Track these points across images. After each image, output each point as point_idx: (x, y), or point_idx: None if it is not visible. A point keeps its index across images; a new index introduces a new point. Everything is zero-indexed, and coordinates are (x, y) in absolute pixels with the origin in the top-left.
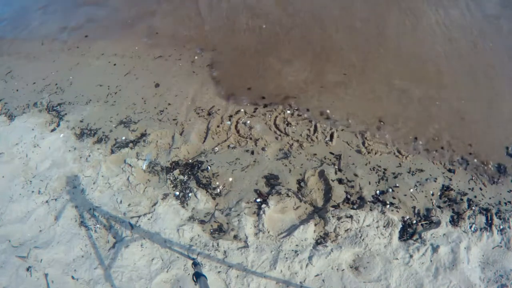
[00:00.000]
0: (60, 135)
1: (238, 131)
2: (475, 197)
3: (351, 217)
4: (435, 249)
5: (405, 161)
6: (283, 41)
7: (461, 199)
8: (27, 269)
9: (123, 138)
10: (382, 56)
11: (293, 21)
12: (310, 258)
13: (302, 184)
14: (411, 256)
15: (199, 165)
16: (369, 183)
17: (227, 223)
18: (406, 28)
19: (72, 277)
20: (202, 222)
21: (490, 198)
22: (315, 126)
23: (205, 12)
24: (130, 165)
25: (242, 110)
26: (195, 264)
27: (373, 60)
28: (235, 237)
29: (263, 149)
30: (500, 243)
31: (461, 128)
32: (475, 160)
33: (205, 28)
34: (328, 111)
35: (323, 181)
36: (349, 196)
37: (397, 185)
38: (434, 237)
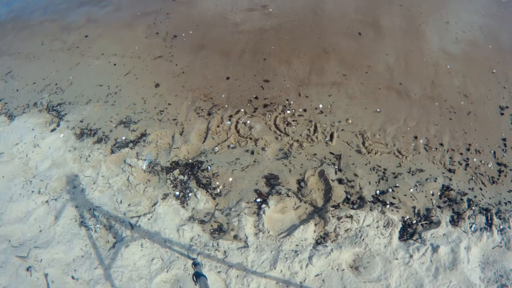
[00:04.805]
0: (60, 135)
1: (238, 131)
2: (475, 197)
3: (351, 217)
4: (435, 249)
5: (405, 161)
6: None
7: (461, 199)
8: (27, 269)
9: (123, 138)
10: None
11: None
12: (310, 258)
13: (302, 184)
14: (411, 256)
15: (199, 165)
16: (369, 183)
17: (227, 223)
18: None
19: (72, 277)
20: (202, 222)
21: (490, 198)
22: (315, 126)
23: None
24: (130, 165)
25: (242, 110)
26: (195, 264)
27: None
28: (235, 237)
29: (263, 149)
30: (500, 243)
31: None
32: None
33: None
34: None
35: (323, 181)
36: (349, 196)
37: (397, 185)
38: (434, 237)
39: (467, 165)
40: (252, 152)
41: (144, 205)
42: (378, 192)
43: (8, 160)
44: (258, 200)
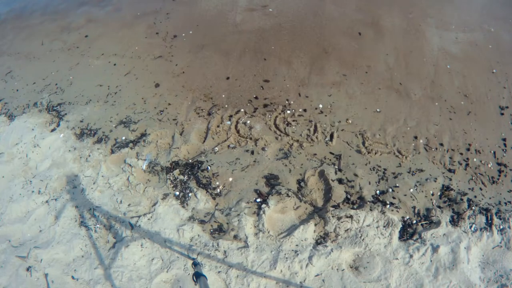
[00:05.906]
0: (60, 135)
1: (238, 131)
2: (475, 197)
3: (351, 217)
4: (435, 249)
5: (405, 161)
6: None
7: (461, 199)
8: (27, 269)
9: (123, 138)
10: None
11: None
12: (310, 258)
13: (302, 184)
14: (411, 256)
15: (199, 165)
16: (369, 183)
17: (227, 223)
18: None
19: (72, 277)
20: (202, 222)
21: (490, 198)
22: (315, 126)
23: None
24: (130, 165)
25: (242, 110)
26: (195, 264)
27: None
28: (235, 237)
29: (263, 149)
30: (500, 243)
31: None
32: None
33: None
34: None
35: (323, 181)
36: (349, 196)
37: (397, 185)
38: (434, 237)
39: (467, 165)
40: (252, 152)
41: (144, 205)
42: (378, 192)
43: (8, 160)
44: (258, 200)
